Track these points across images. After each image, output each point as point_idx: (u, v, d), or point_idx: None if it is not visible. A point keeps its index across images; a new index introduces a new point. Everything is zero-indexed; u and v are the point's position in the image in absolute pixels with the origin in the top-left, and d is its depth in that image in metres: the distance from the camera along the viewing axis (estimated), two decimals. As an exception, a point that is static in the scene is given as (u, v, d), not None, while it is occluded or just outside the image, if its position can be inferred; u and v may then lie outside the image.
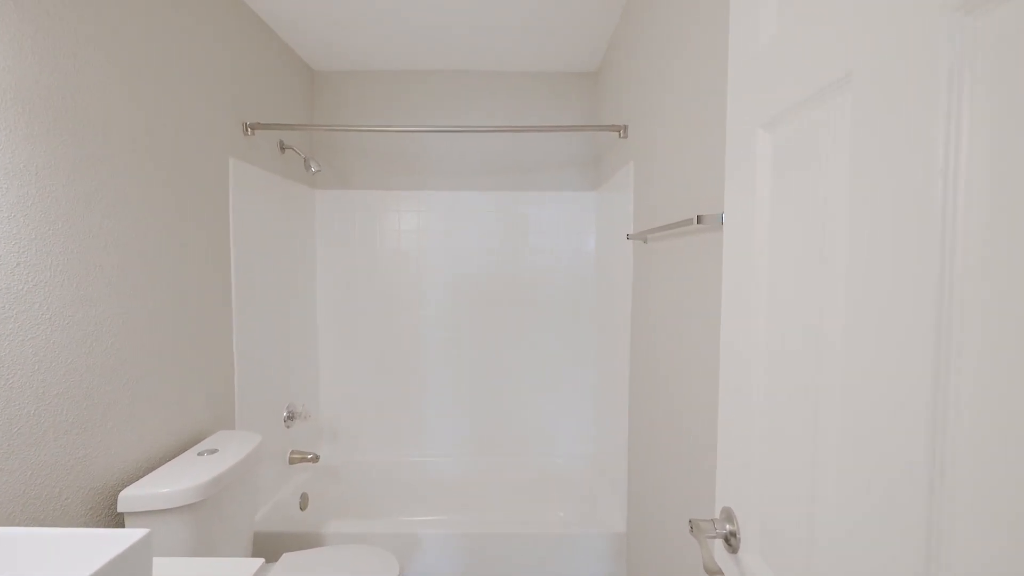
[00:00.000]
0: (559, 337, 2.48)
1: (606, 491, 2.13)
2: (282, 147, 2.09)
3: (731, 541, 0.68)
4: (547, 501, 2.41)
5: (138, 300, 1.29)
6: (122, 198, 1.24)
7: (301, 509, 2.13)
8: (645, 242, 1.55)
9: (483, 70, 2.43)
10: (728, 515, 0.69)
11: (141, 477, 1.27)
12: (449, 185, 2.46)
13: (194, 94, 1.52)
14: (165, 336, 1.39)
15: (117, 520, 1.20)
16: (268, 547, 1.80)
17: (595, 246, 2.45)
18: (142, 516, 1.16)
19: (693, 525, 0.69)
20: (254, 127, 1.80)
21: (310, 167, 2.08)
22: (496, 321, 2.47)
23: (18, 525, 0.98)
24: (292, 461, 2.15)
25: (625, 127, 1.82)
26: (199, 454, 1.37)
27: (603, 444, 2.27)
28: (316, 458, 2.16)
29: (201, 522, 1.23)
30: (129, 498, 1.15)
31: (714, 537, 0.69)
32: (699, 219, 0.96)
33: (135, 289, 1.28)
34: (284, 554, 1.53)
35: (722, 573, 0.63)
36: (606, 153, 2.21)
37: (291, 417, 2.13)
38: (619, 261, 1.94)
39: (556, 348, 2.48)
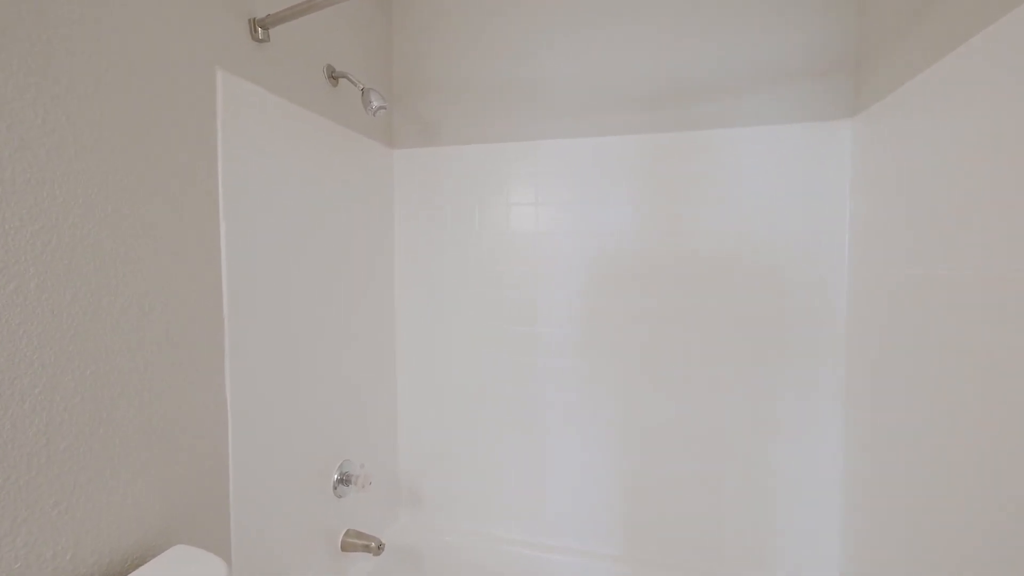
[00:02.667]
0: (775, 367, 1.43)
1: None
2: (332, 74, 1.38)
3: None
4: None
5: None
6: None
7: (357, 621, 1.42)
8: None
9: (642, -67, 1.48)
10: None
11: None
12: (584, 129, 1.55)
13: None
14: (67, 367, 0.72)
15: None
16: None
17: (849, 210, 1.35)
18: None
19: None
20: (265, 24, 1.09)
21: (370, 103, 1.34)
22: (661, 340, 1.51)
23: None
24: (346, 547, 1.44)
25: None
26: (69, 636, 0.67)
27: (879, 567, 1.18)
28: (380, 547, 1.43)
29: None
30: None
31: None
32: None
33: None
34: None
35: None
36: (904, 26, 1.11)
37: (344, 482, 1.43)
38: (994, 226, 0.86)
39: (770, 385, 1.44)
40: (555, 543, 1.62)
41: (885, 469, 1.15)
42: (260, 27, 1.09)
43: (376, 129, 1.62)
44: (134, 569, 0.83)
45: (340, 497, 1.42)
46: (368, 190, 1.57)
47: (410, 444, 1.75)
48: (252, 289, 1.10)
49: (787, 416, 1.42)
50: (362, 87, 1.35)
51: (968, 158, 0.88)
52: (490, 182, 1.63)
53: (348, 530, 1.46)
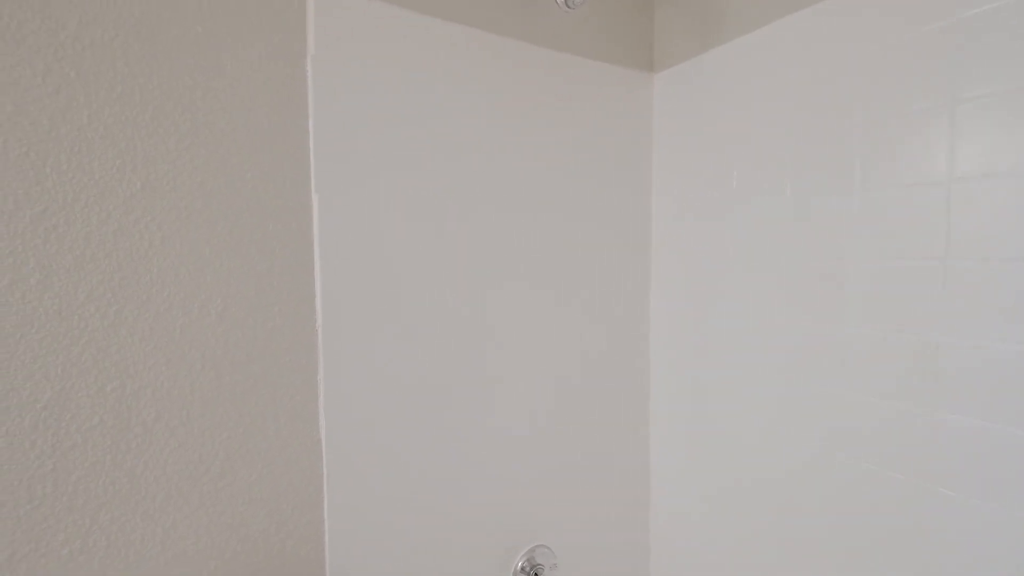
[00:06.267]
0: None
1: None
2: (527, -34, 0.90)
3: None
4: None
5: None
6: None
7: None
8: None
9: None
10: None
11: None
12: None
13: None
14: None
15: None
16: None
17: None
18: None
19: None
20: None
21: (566, -18, 0.79)
22: None
23: None
24: (529, 671, 0.98)
25: None
26: None
27: None
28: None
29: None
30: None
31: None
32: None
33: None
34: None
35: None
36: None
37: (531, 574, 0.97)
38: None
39: None
40: None
41: None
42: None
43: (617, 46, 1.04)
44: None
45: (523, 597, 0.97)
46: (601, 141, 1.02)
47: (669, 545, 1.11)
48: (372, 287, 0.79)
49: None
50: (558, -37, 0.82)
51: None
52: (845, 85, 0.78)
53: (536, 647, 0.99)
